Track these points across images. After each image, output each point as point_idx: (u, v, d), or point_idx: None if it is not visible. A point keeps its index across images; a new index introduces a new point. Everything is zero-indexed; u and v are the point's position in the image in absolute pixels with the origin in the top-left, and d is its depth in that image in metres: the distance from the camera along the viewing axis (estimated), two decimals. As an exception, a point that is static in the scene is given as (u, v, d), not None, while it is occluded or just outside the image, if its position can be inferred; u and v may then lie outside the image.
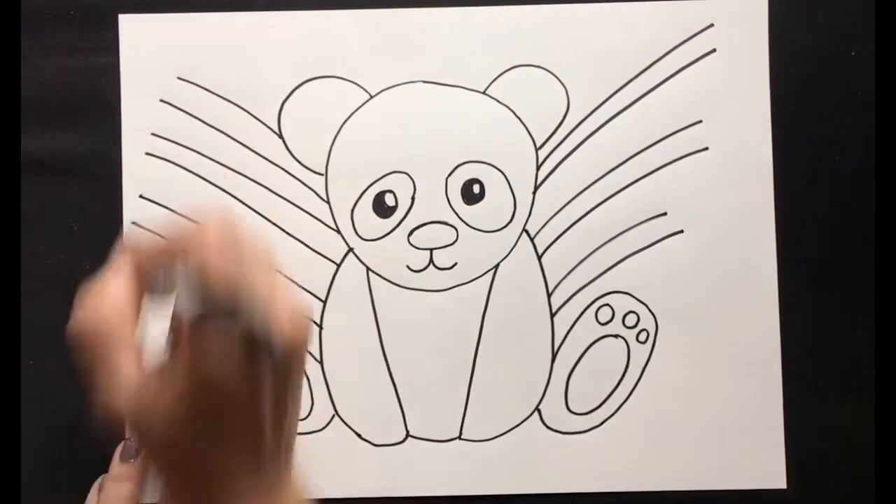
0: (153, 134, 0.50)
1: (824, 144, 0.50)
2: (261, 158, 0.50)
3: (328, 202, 0.50)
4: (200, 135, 0.49)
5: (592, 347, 0.49)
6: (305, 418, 0.49)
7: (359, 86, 0.50)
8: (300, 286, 0.49)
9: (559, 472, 0.49)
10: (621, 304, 0.49)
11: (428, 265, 0.49)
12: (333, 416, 0.49)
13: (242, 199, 0.50)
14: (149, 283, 0.35)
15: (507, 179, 0.49)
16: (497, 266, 0.49)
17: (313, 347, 0.49)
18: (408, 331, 0.49)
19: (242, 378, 0.30)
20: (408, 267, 0.49)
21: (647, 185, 0.49)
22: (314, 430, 0.49)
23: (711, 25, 0.49)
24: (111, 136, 0.50)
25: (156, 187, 0.50)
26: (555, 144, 0.49)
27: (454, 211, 0.49)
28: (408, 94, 0.49)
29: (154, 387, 0.32)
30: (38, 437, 0.50)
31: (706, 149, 0.49)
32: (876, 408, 0.40)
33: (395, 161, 0.49)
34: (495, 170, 0.49)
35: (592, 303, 0.49)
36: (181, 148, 0.50)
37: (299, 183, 0.50)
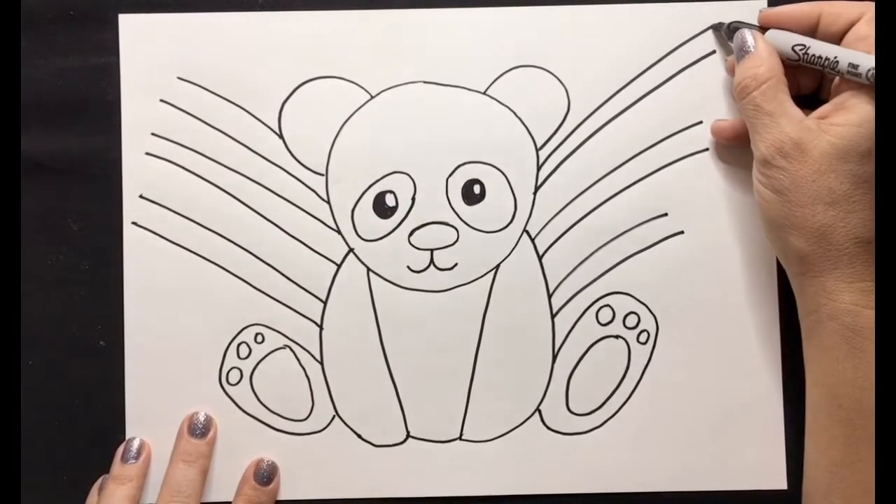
0: (153, 134, 0.50)
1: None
2: (261, 158, 0.50)
3: (328, 202, 0.50)
4: (201, 135, 0.49)
5: (593, 348, 0.49)
6: (306, 419, 0.49)
7: (359, 86, 0.50)
8: (300, 286, 0.49)
9: (560, 473, 0.49)
10: (622, 304, 0.49)
11: (428, 266, 0.49)
12: (334, 416, 0.49)
13: (242, 199, 0.50)
14: None
15: (507, 180, 0.49)
16: (498, 266, 0.49)
17: (314, 347, 0.50)
18: (408, 331, 0.49)
19: None
20: (408, 267, 0.49)
21: (647, 185, 0.49)
22: (314, 430, 0.49)
23: (711, 27, 0.49)
24: (111, 136, 0.50)
25: (156, 187, 0.50)
26: (555, 145, 0.49)
27: (455, 211, 0.49)
28: (408, 95, 0.49)
29: None
30: (38, 437, 0.50)
31: (706, 149, 0.49)
32: (876, 408, 0.40)
33: (395, 161, 0.49)
34: (496, 170, 0.49)
35: (593, 303, 0.49)
36: (181, 148, 0.50)
37: (299, 183, 0.50)
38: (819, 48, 0.43)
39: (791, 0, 0.47)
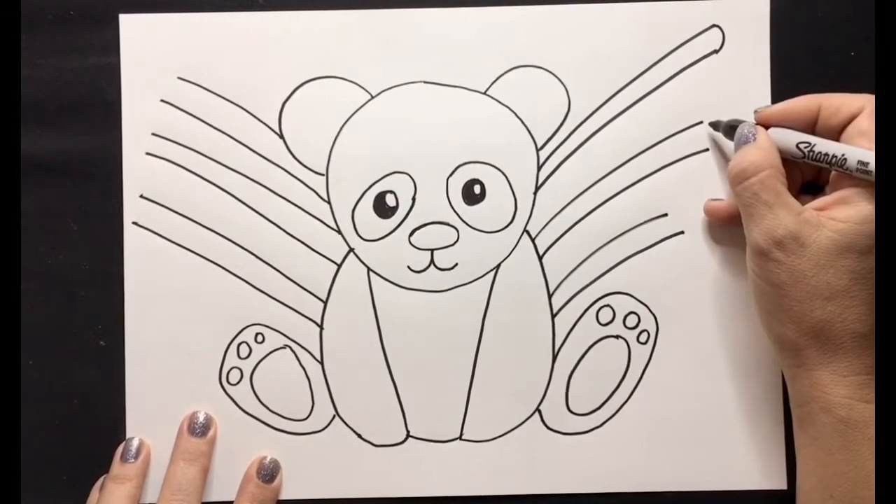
0: (154, 134, 0.50)
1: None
2: (261, 158, 0.50)
3: (329, 202, 0.50)
4: (201, 135, 0.49)
5: (593, 348, 0.49)
6: (306, 419, 0.49)
7: (360, 86, 0.50)
8: (301, 286, 0.49)
9: (560, 473, 0.49)
10: (622, 304, 0.49)
11: (429, 266, 0.49)
12: (334, 416, 0.49)
13: (243, 199, 0.50)
14: None
15: (507, 180, 0.49)
16: (498, 267, 0.49)
17: (314, 347, 0.50)
18: (408, 331, 0.49)
19: None
20: (408, 267, 0.49)
21: (647, 185, 0.49)
22: (314, 430, 0.49)
23: (713, 26, 0.49)
24: (111, 136, 0.50)
25: (156, 187, 0.50)
26: (556, 145, 0.49)
27: (455, 211, 0.49)
28: (409, 95, 0.49)
29: None
30: (38, 437, 0.50)
31: (706, 149, 0.49)
32: (875, 407, 0.40)
33: (395, 161, 0.49)
34: (496, 170, 0.49)
35: (593, 303, 0.49)
36: (182, 148, 0.50)
37: (300, 183, 0.50)
38: (825, 146, 0.42)
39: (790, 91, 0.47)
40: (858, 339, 0.41)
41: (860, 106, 0.43)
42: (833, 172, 0.43)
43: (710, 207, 0.49)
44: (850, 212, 0.41)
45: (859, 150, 0.41)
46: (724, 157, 0.49)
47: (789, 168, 0.45)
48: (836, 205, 0.42)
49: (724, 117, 0.49)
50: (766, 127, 0.45)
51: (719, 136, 0.49)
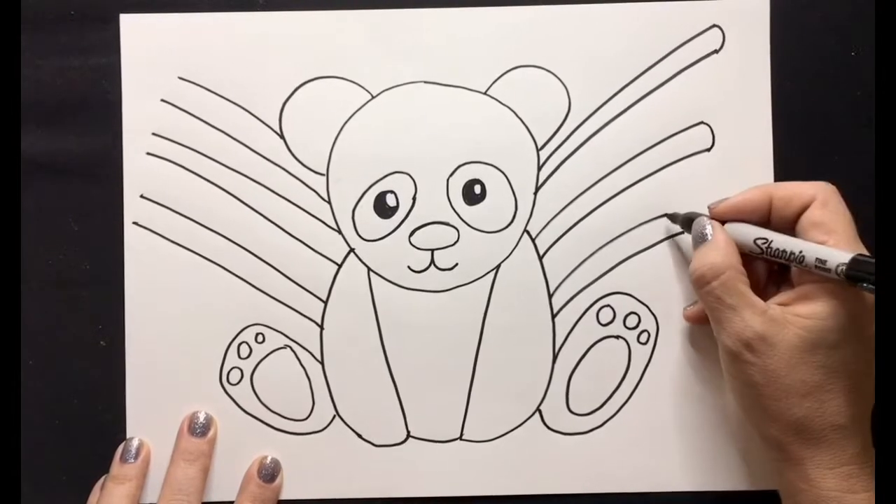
0: (154, 134, 0.50)
1: (824, 144, 0.50)
2: (262, 158, 0.50)
3: (329, 202, 0.50)
4: (201, 135, 0.49)
5: (593, 348, 0.49)
6: (306, 419, 0.49)
7: (360, 86, 0.50)
8: (301, 286, 0.49)
9: (560, 473, 0.49)
10: (622, 304, 0.49)
11: (429, 266, 0.49)
12: (334, 416, 0.49)
13: (243, 199, 0.50)
14: None
15: (508, 180, 0.49)
16: (498, 267, 0.49)
17: (314, 347, 0.50)
18: (409, 331, 0.49)
19: None
20: (409, 267, 0.49)
21: (648, 186, 0.49)
22: (315, 430, 0.49)
23: (714, 26, 0.49)
24: (111, 136, 0.50)
25: (156, 187, 0.50)
26: (556, 145, 0.49)
27: (455, 211, 0.49)
28: (409, 95, 0.49)
29: None
30: (38, 437, 0.50)
31: (707, 150, 0.49)
32: (874, 408, 0.40)
33: (396, 161, 0.49)
34: (496, 170, 0.49)
35: (594, 303, 0.49)
36: (182, 148, 0.50)
37: (300, 183, 0.50)
38: (782, 242, 0.42)
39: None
40: (839, 430, 0.41)
41: (811, 195, 0.43)
42: (794, 268, 0.43)
43: (688, 314, 0.49)
44: (815, 308, 0.41)
45: (817, 247, 0.41)
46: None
47: (751, 263, 0.44)
48: (800, 300, 0.42)
49: (725, 117, 0.49)
50: (723, 221, 0.45)
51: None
